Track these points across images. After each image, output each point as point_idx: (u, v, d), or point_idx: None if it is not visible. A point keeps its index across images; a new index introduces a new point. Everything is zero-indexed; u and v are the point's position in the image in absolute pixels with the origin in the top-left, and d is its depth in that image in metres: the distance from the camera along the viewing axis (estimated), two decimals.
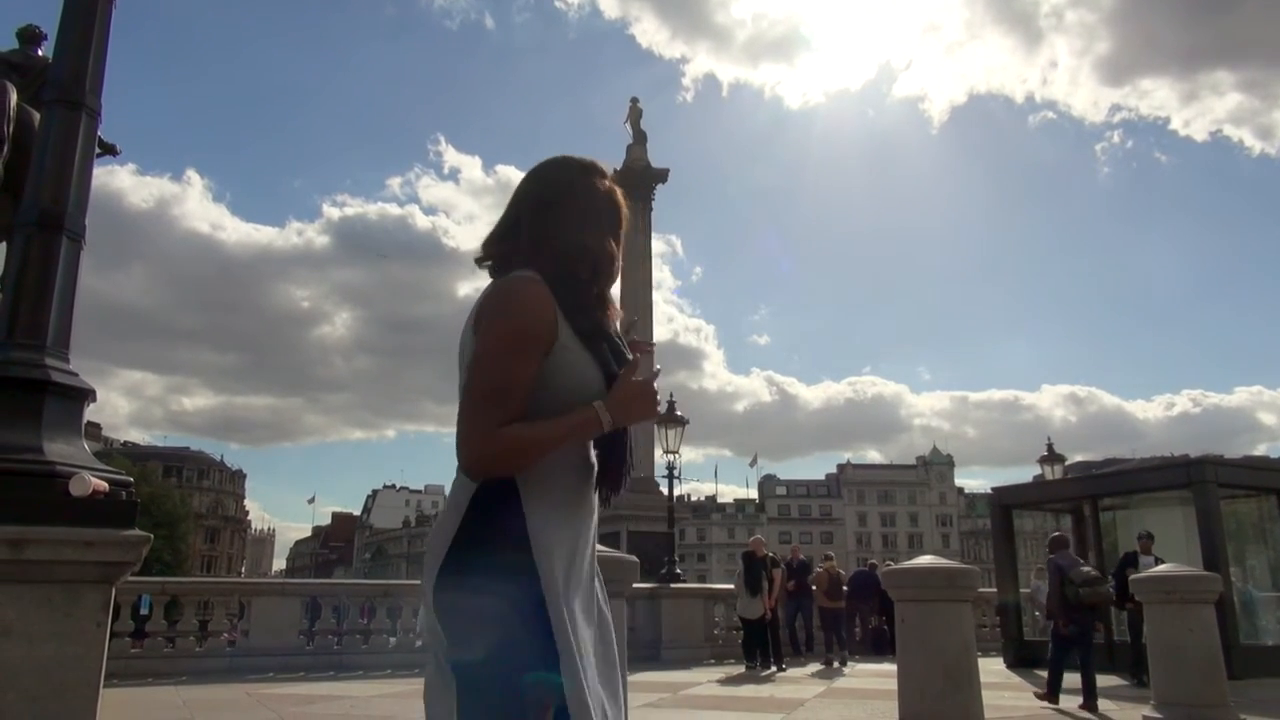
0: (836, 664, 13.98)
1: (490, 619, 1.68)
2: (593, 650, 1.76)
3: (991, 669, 10.37)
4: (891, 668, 5.98)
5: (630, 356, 1.91)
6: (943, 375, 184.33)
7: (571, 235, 1.88)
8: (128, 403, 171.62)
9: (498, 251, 1.92)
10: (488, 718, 1.67)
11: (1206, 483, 12.45)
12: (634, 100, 28.05)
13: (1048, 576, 9.86)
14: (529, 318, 1.77)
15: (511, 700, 1.65)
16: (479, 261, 1.94)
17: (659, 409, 1.89)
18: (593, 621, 1.81)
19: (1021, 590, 15.16)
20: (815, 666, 13.93)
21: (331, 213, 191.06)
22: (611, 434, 1.83)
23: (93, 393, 3.68)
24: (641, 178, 26.54)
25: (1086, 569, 9.66)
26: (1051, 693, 9.16)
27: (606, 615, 1.87)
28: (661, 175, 26.99)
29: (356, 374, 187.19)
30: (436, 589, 1.73)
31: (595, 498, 1.91)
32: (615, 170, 26.07)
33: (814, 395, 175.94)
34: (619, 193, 1.99)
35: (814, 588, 15.29)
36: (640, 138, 27.28)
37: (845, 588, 16.78)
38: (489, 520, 1.75)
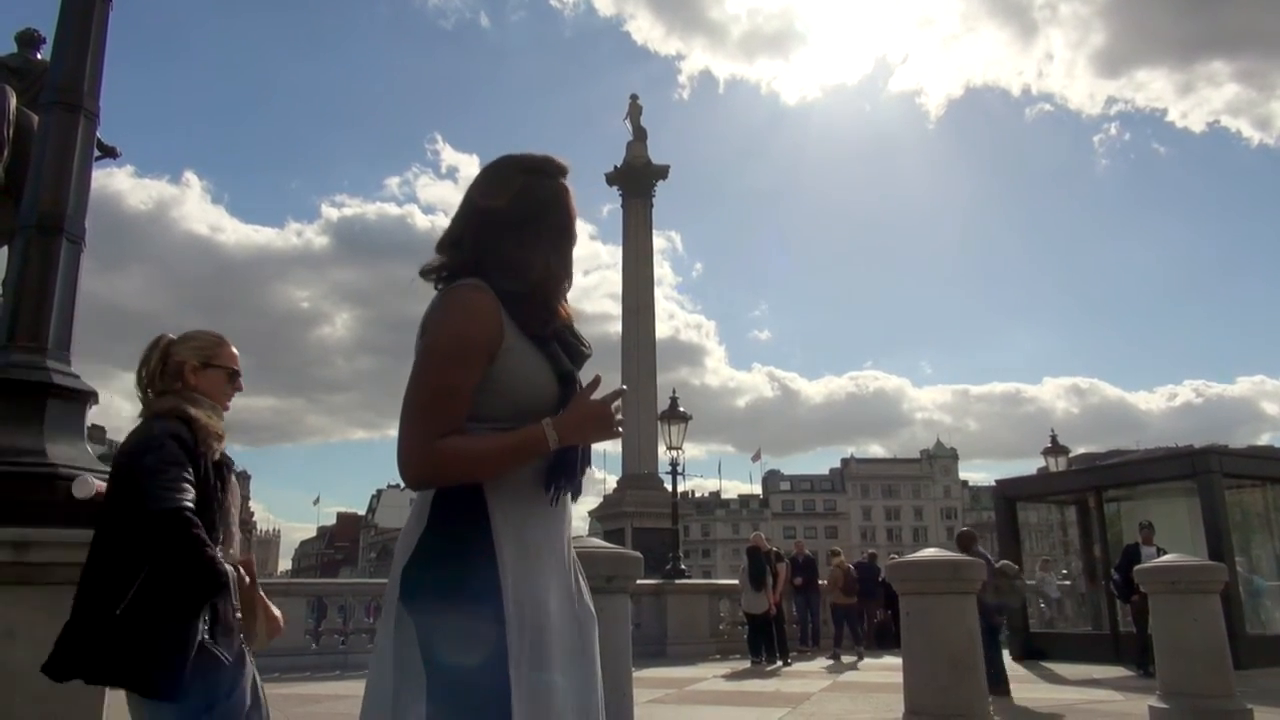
0: (852, 658, 13.99)
1: (459, 617, 1.66)
2: (566, 643, 1.74)
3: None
4: (896, 661, 5.98)
5: (586, 351, 1.88)
6: (944, 369, 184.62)
7: (512, 251, 1.83)
8: (131, 405, 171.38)
9: (443, 264, 1.87)
10: (459, 716, 1.65)
11: (1211, 473, 12.42)
12: (633, 97, 28.09)
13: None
14: (469, 324, 1.74)
15: (481, 698, 1.63)
16: (423, 274, 1.88)
17: (617, 430, 1.79)
18: (570, 613, 1.78)
19: (1027, 582, 15.15)
20: (822, 661, 13.93)
21: (330, 213, 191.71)
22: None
23: (94, 395, 3.68)
24: (642, 175, 26.54)
25: (1004, 561, 9.88)
26: (1003, 684, 9.00)
27: (587, 609, 1.84)
28: (662, 172, 26.97)
29: (358, 374, 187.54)
30: (403, 588, 1.71)
31: (568, 506, 1.88)
32: (615, 167, 26.17)
33: (815, 390, 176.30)
34: (567, 194, 1.91)
35: (824, 583, 15.33)
36: (640, 135, 27.27)
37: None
38: (453, 518, 1.73)
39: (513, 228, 1.83)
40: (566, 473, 1.78)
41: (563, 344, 1.83)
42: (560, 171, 1.91)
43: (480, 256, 1.83)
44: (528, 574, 1.72)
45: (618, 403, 1.79)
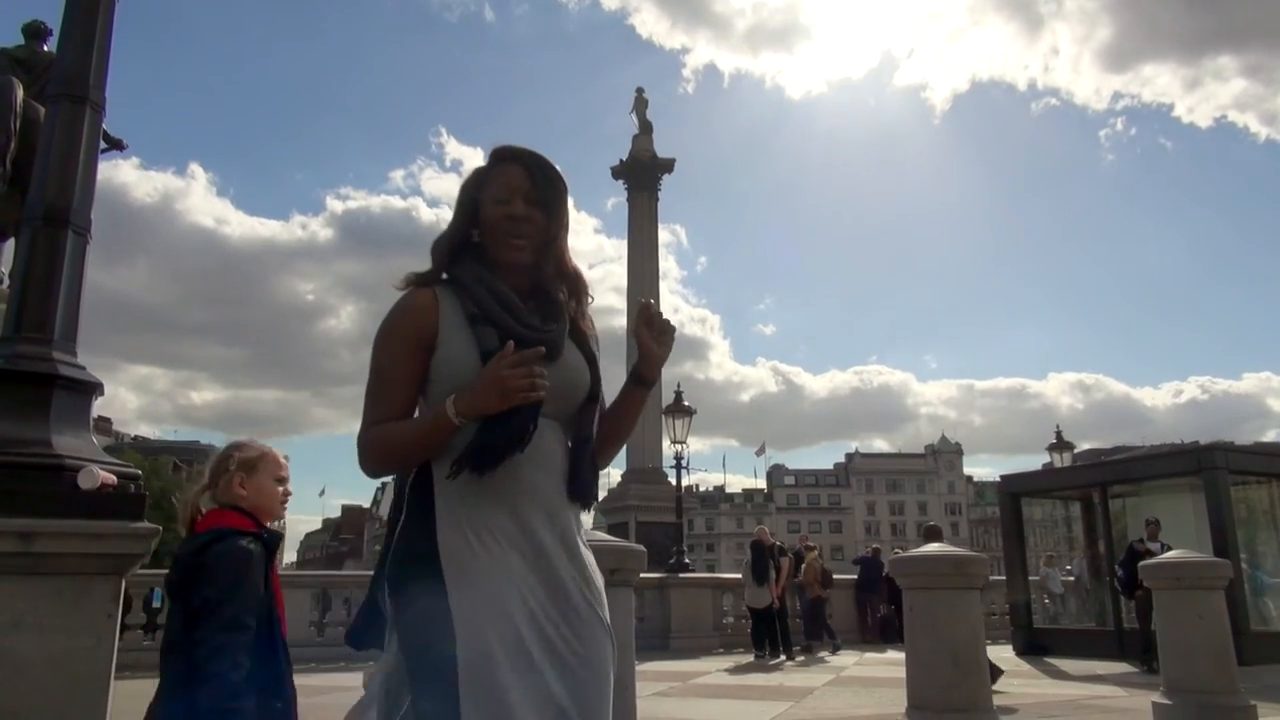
0: (824, 652, 13.96)
1: (415, 610, 1.72)
2: (539, 639, 1.70)
3: (1000, 657, 10.37)
4: (899, 655, 5.98)
5: (546, 332, 1.85)
6: (949, 364, 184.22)
7: (455, 221, 1.96)
8: (136, 397, 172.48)
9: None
10: (430, 698, 1.68)
11: (1216, 469, 12.40)
12: (639, 90, 27.98)
13: None
14: (392, 318, 1.85)
15: (444, 689, 1.65)
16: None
17: (521, 395, 1.69)
18: (552, 607, 1.74)
19: (1031, 578, 15.15)
20: (824, 654, 13.94)
21: (335, 206, 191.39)
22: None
23: (100, 386, 3.69)
24: (648, 168, 26.48)
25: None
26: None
27: (585, 604, 1.79)
28: (667, 165, 26.89)
29: (363, 367, 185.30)
30: (388, 581, 1.79)
31: (537, 474, 1.80)
32: (621, 160, 26.09)
33: (820, 385, 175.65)
34: (516, 159, 1.93)
35: (798, 580, 15.28)
36: (646, 128, 27.19)
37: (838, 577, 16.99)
38: (414, 508, 1.79)
39: (458, 204, 1.98)
40: (473, 451, 1.73)
41: (500, 325, 1.81)
42: (505, 156, 1.95)
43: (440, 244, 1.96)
44: (474, 563, 1.70)
45: (520, 367, 1.69)
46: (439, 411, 1.74)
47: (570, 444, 1.87)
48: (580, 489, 1.86)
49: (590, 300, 2.03)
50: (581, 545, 1.85)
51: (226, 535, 2.37)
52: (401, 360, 1.82)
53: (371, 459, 1.80)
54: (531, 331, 1.82)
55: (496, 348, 1.75)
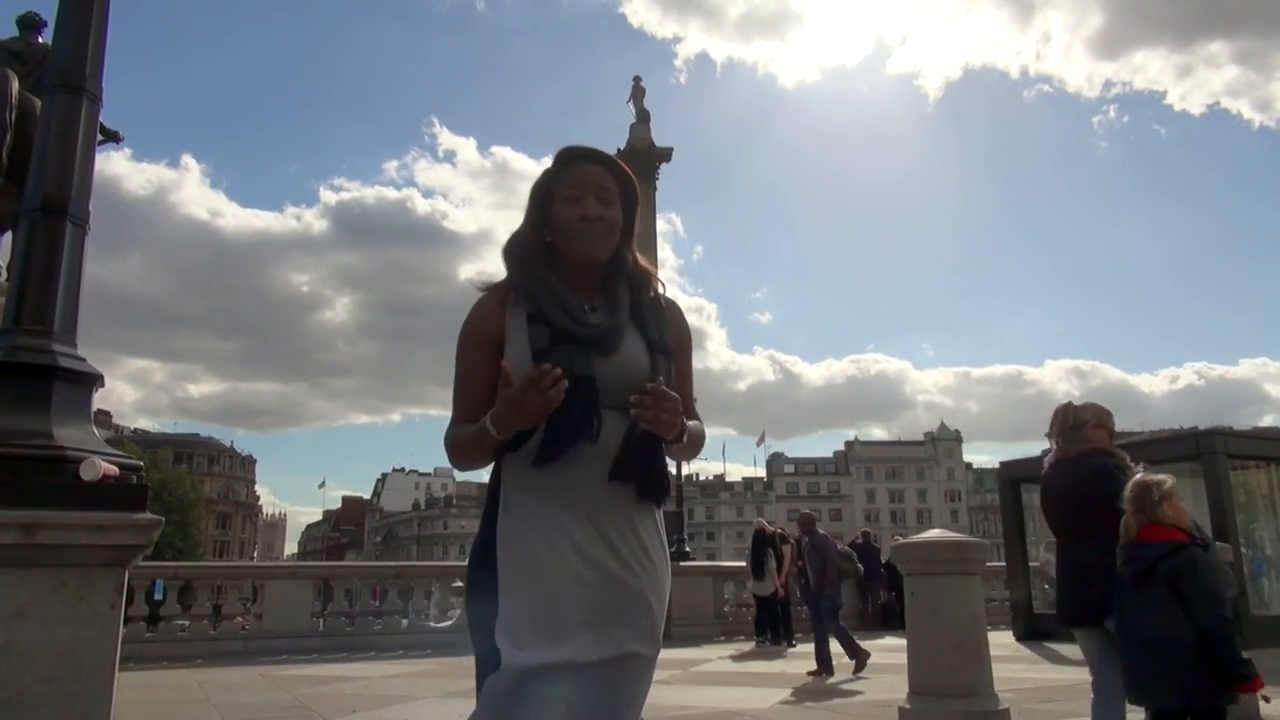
0: (781, 646, 13.53)
1: (473, 600, 1.88)
2: (574, 621, 1.79)
3: (1001, 642, 10.39)
4: (900, 642, 5.99)
5: (593, 326, 1.88)
6: (946, 351, 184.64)
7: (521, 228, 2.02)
8: (134, 390, 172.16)
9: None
10: (480, 675, 1.85)
11: (1216, 454, 12.43)
12: (636, 79, 27.76)
13: (809, 554, 10.23)
14: (462, 326, 1.95)
15: (485, 660, 1.83)
16: None
17: (530, 415, 1.72)
18: (593, 591, 1.82)
19: (1031, 564, 15.17)
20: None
21: (329, 197, 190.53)
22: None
23: (101, 378, 3.68)
24: (646, 157, 26.34)
25: (842, 546, 10.22)
26: (828, 665, 9.45)
27: (626, 586, 1.88)
28: (665, 154, 26.72)
29: (360, 359, 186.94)
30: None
31: (589, 463, 1.84)
32: (618, 150, 25.93)
33: (817, 373, 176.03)
34: (586, 158, 1.98)
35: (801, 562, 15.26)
36: (643, 117, 27.03)
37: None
38: (489, 498, 1.92)
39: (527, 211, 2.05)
40: (541, 446, 1.81)
41: (554, 323, 1.86)
42: (568, 156, 2.00)
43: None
44: (523, 548, 1.82)
45: (532, 389, 1.68)
46: (482, 426, 1.79)
47: (626, 431, 1.87)
48: (621, 473, 1.85)
49: (658, 290, 2.03)
50: (627, 529, 1.89)
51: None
52: (471, 364, 1.90)
53: (449, 457, 1.92)
54: (583, 327, 1.87)
55: (547, 345, 1.82)
